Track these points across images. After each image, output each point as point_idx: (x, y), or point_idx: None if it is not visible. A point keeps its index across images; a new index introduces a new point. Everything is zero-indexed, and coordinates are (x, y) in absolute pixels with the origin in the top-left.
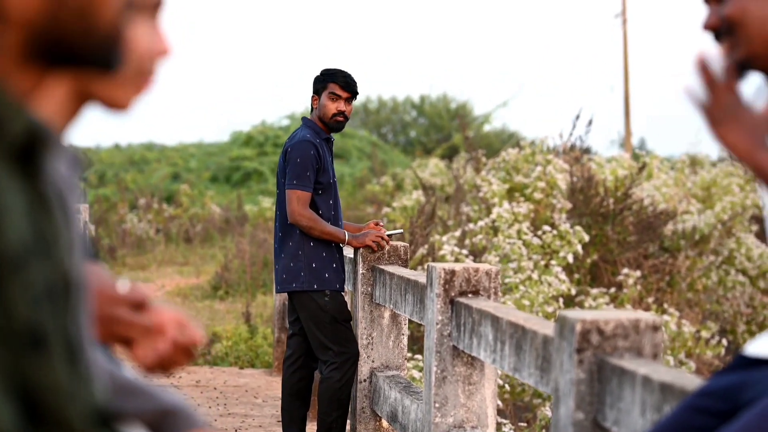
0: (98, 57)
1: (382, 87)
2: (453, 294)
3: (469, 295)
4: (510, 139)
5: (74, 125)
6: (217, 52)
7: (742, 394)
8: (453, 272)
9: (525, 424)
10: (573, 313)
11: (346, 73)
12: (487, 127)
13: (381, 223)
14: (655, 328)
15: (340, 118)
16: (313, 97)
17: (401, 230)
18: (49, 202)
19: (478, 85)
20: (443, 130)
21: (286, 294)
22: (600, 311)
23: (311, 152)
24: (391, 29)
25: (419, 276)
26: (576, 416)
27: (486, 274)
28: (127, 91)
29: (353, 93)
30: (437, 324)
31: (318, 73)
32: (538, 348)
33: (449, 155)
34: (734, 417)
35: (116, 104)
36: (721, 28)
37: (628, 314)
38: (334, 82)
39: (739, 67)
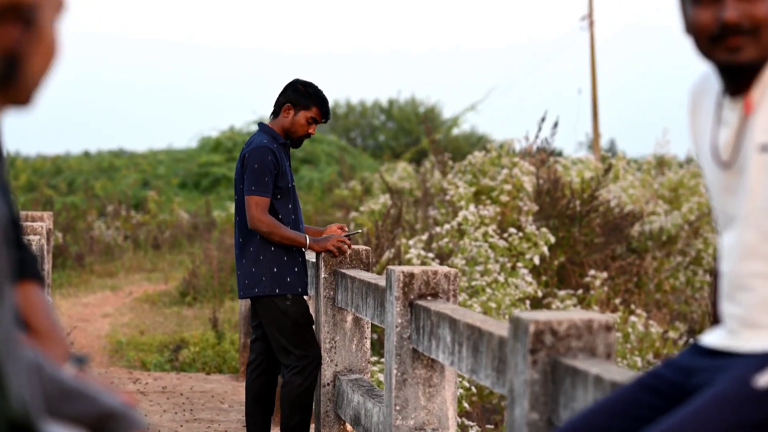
0: None
1: (350, 91)
2: (412, 297)
3: (428, 298)
4: (479, 143)
5: None
6: (186, 58)
7: (691, 379)
8: (412, 275)
9: (492, 426)
10: (526, 314)
11: (327, 99)
12: (455, 131)
13: (345, 228)
14: (608, 328)
15: (306, 139)
16: (286, 105)
17: (359, 230)
18: None
19: (447, 89)
20: (412, 134)
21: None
22: (554, 312)
23: (269, 158)
24: (360, 33)
25: (380, 279)
26: (530, 417)
27: (445, 277)
28: (25, 93)
29: (327, 120)
30: (397, 327)
31: (299, 83)
32: (494, 349)
33: (417, 159)
34: (679, 401)
35: (17, 104)
36: (739, 26)
37: (581, 314)
38: (319, 108)
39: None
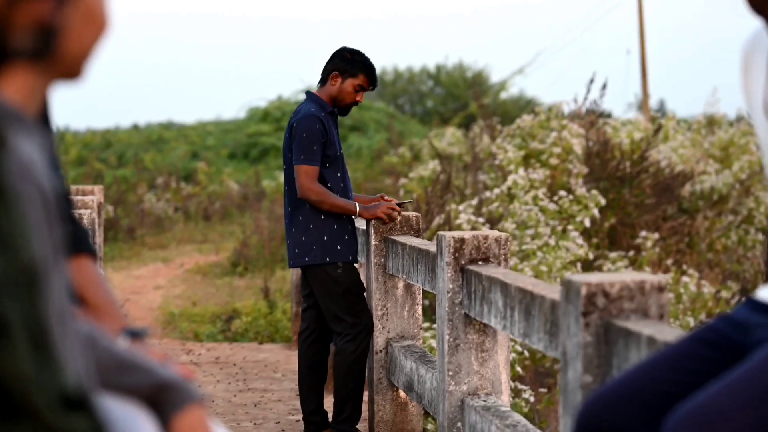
0: (25, 50)
1: (397, 58)
2: (463, 262)
3: (479, 263)
4: (527, 106)
5: (42, 108)
6: (232, 30)
7: (747, 335)
8: (462, 240)
9: (546, 390)
10: (578, 277)
11: (374, 66)
12: (503, 95)
13: (387, 198)
14: (660, 289)
15: (354, 106)
16: (333, 72)
17: (410, 200)
18: (6, 192)
19: (495, 53)
20: (460, 99)
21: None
22: (605, 274)
23: (317, 126)
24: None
25: (430, 245)
26: (584, 379)
27: (495, 241)
28: (72, 67)
29: (375, 88)
30: (448, 292)
31: (346, 51)
32: (546, 313)
33: (466, 124)
34: (737, 356)
35: (65, 77)
36: None
37: (633, 276)
38: (366, 75)
39: None
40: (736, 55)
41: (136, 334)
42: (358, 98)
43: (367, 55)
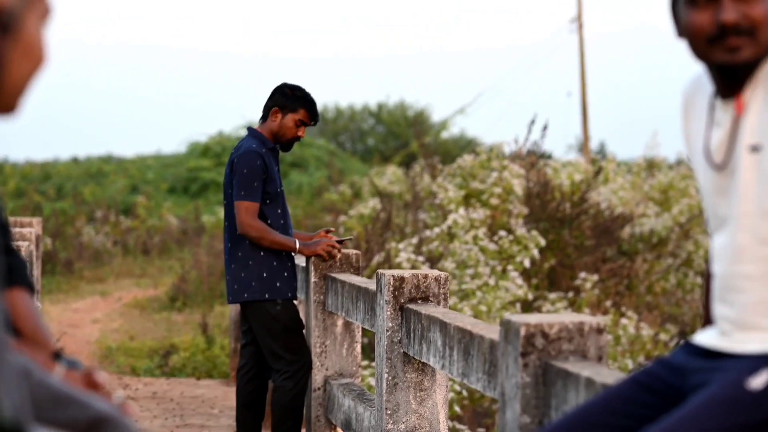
0: None
1: (339, 95)
2: (402, 301)
3: (419, 302)
4: (468, 146)
5: None
6: (174, 63)
7: (685, 379)
8: (402, 279)
9: (483, 430)
10: (517, 317)
11: (314, 101)
12: (445, 134)
13: (332, 230)
14: (599, 331)
15: (295, 142)
16: (274, 108)
17: (350, 236)
18: None
19: (436, 92)
20: (401, 137)
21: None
22: (544, 315)
23: (257, 162)
24: (348, 37)
25: (370, 284)
26: (522, 420)
27: (435, 281)
28: (7, 99)
29: (316, 123)
30: (387, 331)
31: (286, 87)
32: (485, 353)
33: (407, 162)
34: (674, 400)
35: (3, 110)
36: (738, 26)
37: (572, 317)
38: (306, 110)
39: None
40: (677, 98)
41: (72, 364)
42: (299, 133)
43: (307, 90)
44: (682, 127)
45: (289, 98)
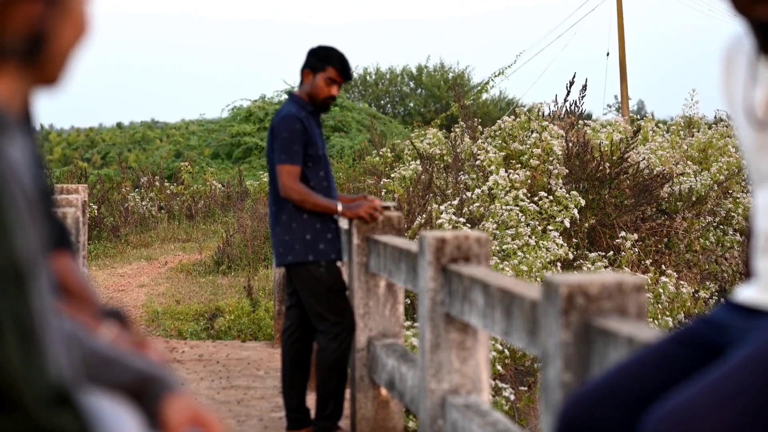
0: (16, 51)
1: (379, 59)
2: (444, 262)
3: (460, 262)
4: (508, 107)
5: (26, 110)
6: (217, 32)
7: (725, 336)
8: (444, 240)
9: (526, 388)
10: (558, 277)
11: (345, 58)
12: (484, 96)
13: (369, 197)
14: (639, 289)
15: (330, 102)
16: (305, 70)
17: (393, 203)
18: None
19: (476, 55)
20: (441, 100)
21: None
22: (585, 274)
23: (297, 126)
24: (387, 2)
25: (412, 245)
26: (564, 378)
27: (476, 241)
28: (54, 70)
29: (349, 80)
30: (429, 292)
31: (316, 48)
32: (527, 312)
33: (447, 125)
34: (715, 356)
35: (46, 82)
36: None
37: (612, 276)
38: (333, 67)
39: None
40: (716, 57)
41: (116, 315)
42: (332, 92)
43: (337, 49)
44: (722, 84)
45: (318, 58)
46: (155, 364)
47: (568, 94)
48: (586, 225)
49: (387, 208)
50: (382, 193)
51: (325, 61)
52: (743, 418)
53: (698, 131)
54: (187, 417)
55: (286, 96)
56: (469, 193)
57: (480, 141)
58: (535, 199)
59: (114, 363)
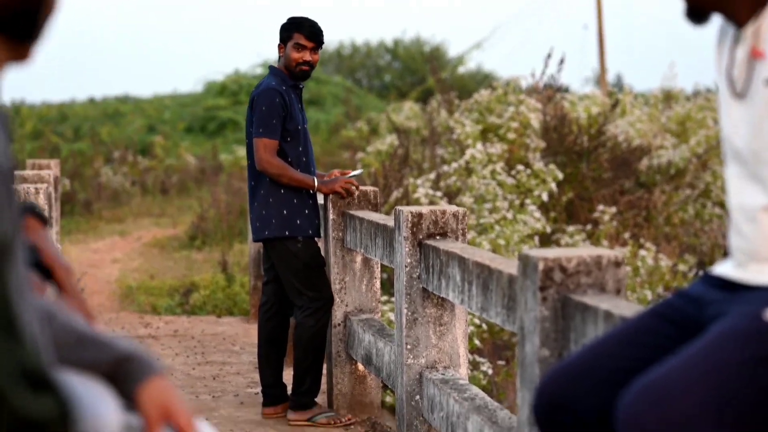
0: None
1: (355, 31)
2: (421, 237)
3: (437, 237)
4: (485, 81)
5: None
6: (190, 3)
7: (703, 310)
8: (420, 215)
9: (504, 363)
10: (535, 252)
11: (311, 22)
12: (461, 69)
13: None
14: (617, 264)
15: (305, 68)
16: (279, 45)
17: (360, 171)
18: None
19: (452, 28)
20: (417, 73)
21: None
22: (562, 249)
23: (276, 100)
24: None
25: (388, 220)
26: (541, 353)
27: (453, 216)
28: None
29: (318, 43)
30: (406, 267)
31: (285, 21)
32: (504, 287)
33: (424, 98)
34: (693, 331)
35: (24, 58)
36: None
37: (589, 251)
38: (299, 32)
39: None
40: (693, 31)
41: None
42: (305, 57)
43: (305, 17)
44: (715, 55)
45: (284, 28)
46: (135, 346)
47: (545, 67)
48: (564, 198)
49: (356, 175)
50: (358, 167)
51: (290, 29)
52: (718, 396)
53: (677, 104)
54: (159, 408)
55: (260, 70)
56: (445, 167)
57: (457, 114)
58: (513, 172)
59: (92, 342)
